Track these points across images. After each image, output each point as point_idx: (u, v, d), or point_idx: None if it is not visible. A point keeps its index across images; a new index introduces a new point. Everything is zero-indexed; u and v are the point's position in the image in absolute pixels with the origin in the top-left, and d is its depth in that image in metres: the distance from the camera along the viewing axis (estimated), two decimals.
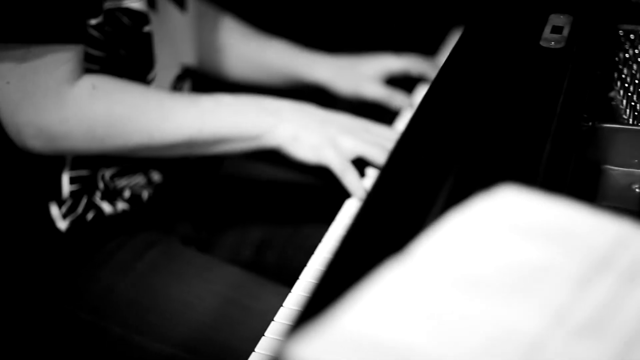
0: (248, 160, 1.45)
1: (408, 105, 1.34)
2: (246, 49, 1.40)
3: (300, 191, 1.44)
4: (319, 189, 1.44)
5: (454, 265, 0.61)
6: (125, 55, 1.14)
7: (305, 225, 1.39)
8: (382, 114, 1.34)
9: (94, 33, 1.10)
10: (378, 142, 1.12)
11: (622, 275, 0.60)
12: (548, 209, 0.67)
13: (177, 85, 1.23)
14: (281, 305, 1.06)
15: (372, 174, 1.16)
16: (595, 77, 1.01)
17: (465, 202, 0.66)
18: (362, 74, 1.35)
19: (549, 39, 1.01)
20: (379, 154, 1.11)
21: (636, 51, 1.11)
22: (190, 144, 1.11)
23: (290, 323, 0.89)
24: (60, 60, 1.04)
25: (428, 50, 1.45)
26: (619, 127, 0.97)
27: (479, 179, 0.77)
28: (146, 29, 1.15)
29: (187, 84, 1.26)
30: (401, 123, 1.32)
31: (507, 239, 0.63)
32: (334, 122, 1.13)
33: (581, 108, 0.91)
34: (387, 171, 0.78)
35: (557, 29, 1.03)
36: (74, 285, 1.17)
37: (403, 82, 1.38)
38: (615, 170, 0.95)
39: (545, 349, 0.55)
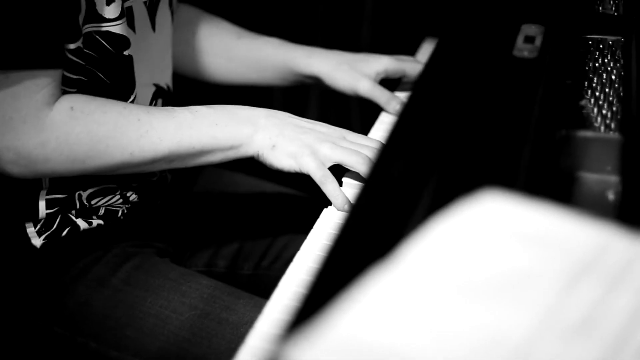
0: (224, 170, 1.45)
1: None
2: (243, 49, 1.40)
3: (276, 202, 1.45)
4: (295, 199, 1.45)
5: (444, 270, 0.62)
6: (105, 80, 1.14)
7: (281, 236, 1.39)
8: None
9: (73, 57, 1.09)
10: (355, 149, 1.12)
11: (605, 278, 0.61)
12: (531, 214, 0.68)
13: (151, 104, 1.23)
14: (257, 317, 1.06)
15: (347, 183, 1.16)
16: (567, 85, 1.03)
17: (450, 207, 0.67)
18: (360, 71, 1.36)
19: (522, 49, 1.02)
20: (357, 161, 1.11)
21: (605, 60, 1.13)
22: (169, 158, 1.11)
23: (273, 330, 0.90)
24: (40, 85, 1.04)
25: (408, 54, 1.46)
26: (592, 135, 0.99)
27: (460, 186, 0.78)
28: (127, 52, 1.15)
29: (159, 103, 1.25)
30: (376, 131, 1.33)
31: (493, 244, 0.64)
32: (311, 129, 1.14)
33: (556, 116, 0.92)
34: (372, 178, 0.79)
35: (529, 39, 1.04)
36: (50, 300, 1.16)
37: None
38: (589, 178, 0.96)
39: (536, 352, 0.56)
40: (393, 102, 1.34)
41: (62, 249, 1.16)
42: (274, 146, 1.11)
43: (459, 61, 1.02)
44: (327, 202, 1.14)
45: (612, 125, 1.03)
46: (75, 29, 1.08)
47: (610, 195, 0.94)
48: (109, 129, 1.07)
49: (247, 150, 1.12)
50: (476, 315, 0.59)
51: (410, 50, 1.63)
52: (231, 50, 1.39)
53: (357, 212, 0.75)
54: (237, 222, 1.41)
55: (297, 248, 1.34)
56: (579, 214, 0.68)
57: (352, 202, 1.09)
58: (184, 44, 1.39)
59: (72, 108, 1.06)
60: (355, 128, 1.80)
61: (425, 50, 1.59)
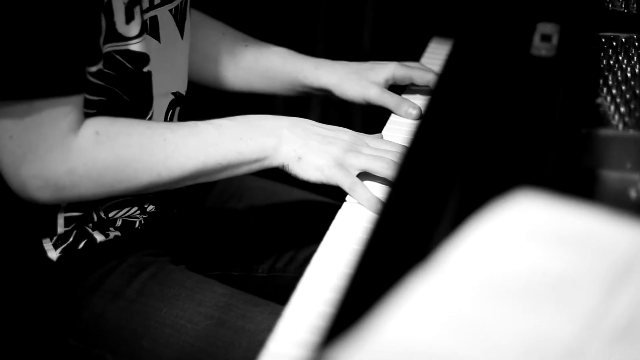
0: None
1: (417, 114, 1.35)
2: (250, 58, 1.38)
3: (288, 203, 1.44)
4: (307, 201, 1.44)
5: (484, 274, 0.61)
6: (125, 97, 1.13)
7: (294, 238, 1.39)
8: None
9: (93, 79, 1.08)
10: (379, 155, 1.13)
11: None
12: (565, 215, 0.67)
13: (168, 112, 1.22)
14: (275, 325, 1.06)
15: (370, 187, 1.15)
16: (585, 84, 1.02)
17: (482, 208, 0.66)
18: (368, 79, 1.35)
19: (540, 48, 1.01)
20: (382, 167, 1.12)
21: (619, 58, 1.12)
22: (196, 175, 1.10)
23: (302, 336, 0.89)
24: (64, 112, 1.02)
25: (409, 58, 1.45)
26: (613, 133, 0.98)
27: (489, 186, 0.77)
28: (146, 69, 1.14)
29: (177, 111, 1.24)
30: (387, 132, 1.32)
31: (531, 246, 0.63)
32: (335, 138, 1.14)
33: (577, 115, 0.92)
34: (399, 182, 0.78)
35: (546, 38, 1.03)
36: (65, 313, 1.15)
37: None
38: (610, 176, 0.95)
39: (584, 356, 0.55)
40: (404, 106, 1.34)
41: (78, 261, 1.15)
42: (299, 158, 1.11)
43: (477, 62, 1.01)
44: (340, 203, 1.14)
45: (630, 123, 1.02)
46: (97, 51, 1.07)
47: (633, 193, 0.94)
48: (135, 151, 1.06)
49: (272, 162, 1.12)
50: (521, 319, 0.58)
51: (413, 52, 1.62)
52: (238, 58, 1.38)
53: (386, 216, 0.74)
54: (250, 224, 1.40)
55: (311, 249, 1.34)
56: (613, 213, 0.67)
57: (380, 206, 1.08)
58: (190, 49, 1.37)
59: (97, 133, 1.05)
60: (356, 127, 1.79)
61: (433, 50, 1.58)
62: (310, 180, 1.13)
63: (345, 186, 1.12)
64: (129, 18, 1.09)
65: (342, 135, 1.15)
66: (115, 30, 1.08)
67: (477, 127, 0.87)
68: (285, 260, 1.37)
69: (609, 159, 0.97)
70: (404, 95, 1.41)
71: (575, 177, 0.88)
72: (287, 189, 1.45)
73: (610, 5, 1.25)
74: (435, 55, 1.55)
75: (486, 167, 0.82)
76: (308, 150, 1.11)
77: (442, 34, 1.62)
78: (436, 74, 1.37)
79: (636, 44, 1.15)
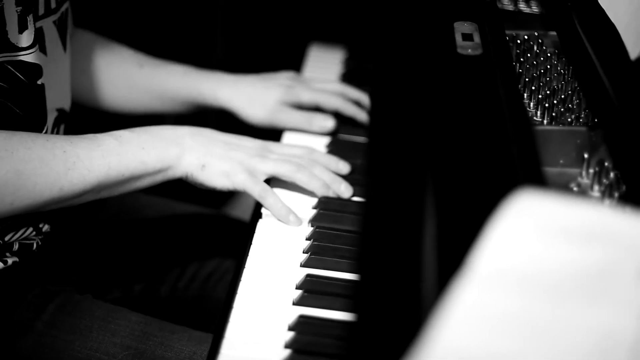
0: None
1: (329, 127, 1.29)
2: (145, 80, 1.31)
3: (183, 220, 1.38)
4: (202, 216, 1.40)
5: (523, 275, 0.58)
6: (18, 111, 1.04)
7: (194, 255, 1.34)
8: None
9: None
10: (284, 160, 1.11)
11: None
12: (576, 210, 0.65)
13: (54, 130, 1.13)
14: (195, 351, 1.05)
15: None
16: (515, 80, 1.02)
17: (490, 210, 0.64)
18: (273, 101, 1.29)
19: (465, 47, 1.01)
20: (290, 170, 1.10)
21: (528, 55, 1.13)
22: (98, 188, 1.04)
23: None
24: None
25: (291, 66, 1.41)
26: (542, 129, 0.99)
27: (467, 188, 0.75)
28: (40, 81, 1.06)
29: (62, 128, 1.15)
30: (288, 137, 1.28)
31: (558, 243, 0.61)
32: (238, 145, 1.11)
33: (523, 110, 0.91)
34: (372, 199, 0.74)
35: (467, 37, 1.03)
36: None
37: None
38: (549, 171, 0.96)
39: None
40: (314, 122, 1.29)
41: None
42: (203, 166, 1.08)
43: (408, 67, 0.99)
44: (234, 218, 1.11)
45: (555, 118, 1.03)
46: None
47: (574, 188, 0.94)
48: (35, 165, 0.98)
49: (175, 173, 1.08)
50: (578, 315, 0.56)
51: (271, 57, 1.58)
52: (133, 80, 1.31)
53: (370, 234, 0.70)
54: (147, 244, 1.34)
55: (212, 265, 1.33)
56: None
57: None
58: (79, 72, 1.28)
59: None
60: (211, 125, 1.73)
61: (315, 58, 1.54)
62: (216, 188, 1.09)
63: (254, 193, 1.09)
64: (22, 27, 1.02)
65: (246, 142, 1.13)
66: (8, 40, 1.01)
67: (437, 133, 0.85)
68: (186, 278, 1.32)
69: (546, 154, 0.97)
70: None
71: (523, 176, 0.88)
72: (182, 206, 1.40)
73: (502, 2, 1.27)
74: (320, 62, 1.52)
75: (458, 170, 0.80)
76: (211, 157, 1.08)
77: (321, 39, 1.59)
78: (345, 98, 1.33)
79: (539, 40, 1.17)
